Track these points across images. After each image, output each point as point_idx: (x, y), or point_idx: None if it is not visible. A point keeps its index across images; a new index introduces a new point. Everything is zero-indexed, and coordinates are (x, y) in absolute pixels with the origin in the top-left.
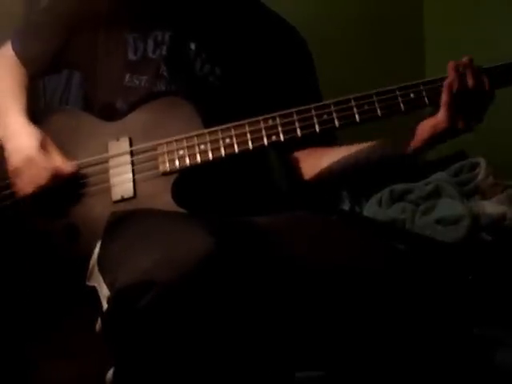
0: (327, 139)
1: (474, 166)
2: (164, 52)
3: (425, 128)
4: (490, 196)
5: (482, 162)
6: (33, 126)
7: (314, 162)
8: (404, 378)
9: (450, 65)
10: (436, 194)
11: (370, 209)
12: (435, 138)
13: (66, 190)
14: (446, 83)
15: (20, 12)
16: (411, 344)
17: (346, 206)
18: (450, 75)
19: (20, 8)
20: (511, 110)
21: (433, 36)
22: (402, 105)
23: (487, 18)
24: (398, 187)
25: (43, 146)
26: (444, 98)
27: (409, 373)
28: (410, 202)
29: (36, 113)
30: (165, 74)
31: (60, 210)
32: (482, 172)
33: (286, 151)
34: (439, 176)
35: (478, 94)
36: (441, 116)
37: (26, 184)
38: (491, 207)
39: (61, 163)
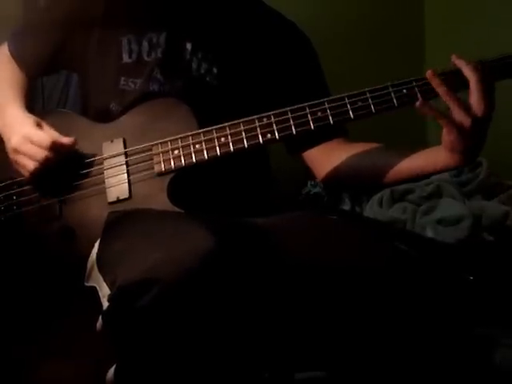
0: (340, 132)
1: (476, 166)
2: (159, 55)
3: (444, 134)
4: (491, 196)
5: (484, 161)
6: (28, 113)
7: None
8: (404, 377)
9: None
10: (437, 194)
11: (371, 209)
12: (460, 136)
13: (64, 180)
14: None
15: (18, 13)
16: (412, 344)
17: (347, 206)
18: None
19: (18, 9)
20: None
21: (433, 36)
22: (394, 100)
23: (488, 18)
24: (399, 187)
25: (39, 124)
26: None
27: (409, 373)
28: (411, 202)
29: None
30: (158, 76)
31: (56, 211)
32: (483, 172)
33: (297, 149)
34: (440, 176)
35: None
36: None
37: (27, 161)
38: (493, 207)
39: (58, 136)
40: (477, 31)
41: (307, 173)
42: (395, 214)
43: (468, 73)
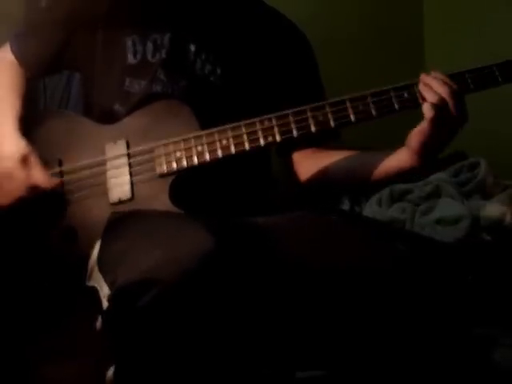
0: (331, 136)
1: (474, 166)
2: (163, 55)
3: (413, 136)
4: (489, 196)
5: (482, 161)
6: (21, 136)
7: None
8: (404, 377)
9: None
10: (436, 194)
11: (370, 209)
12: (427, 144)
13: (59, 195)
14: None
15: (20, 13)
16: (411, 344)
17: (346, 206)
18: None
19: (20, 8)
20: (511, 110)
21: (432, 36)
22: (396, 104)
23: (487, 18)
24: (398, 187)
25: (24, 160)
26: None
27: (409, 373)
28: (409, 202)
29: (33, 115)
30: (162, 77)
31: (57, 212)
32: (481, 172)
33: (287, 151)
34: (439, 176)
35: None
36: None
37: (4, 196)
38: (491, 207)
39: (40, 178)
40: (476, 31)
41: None
42: (394, 213)
43: (439, 88)
